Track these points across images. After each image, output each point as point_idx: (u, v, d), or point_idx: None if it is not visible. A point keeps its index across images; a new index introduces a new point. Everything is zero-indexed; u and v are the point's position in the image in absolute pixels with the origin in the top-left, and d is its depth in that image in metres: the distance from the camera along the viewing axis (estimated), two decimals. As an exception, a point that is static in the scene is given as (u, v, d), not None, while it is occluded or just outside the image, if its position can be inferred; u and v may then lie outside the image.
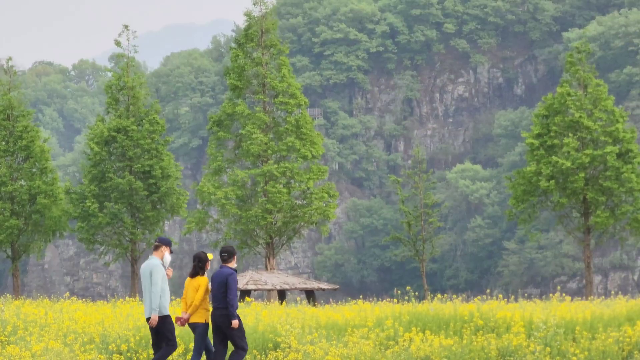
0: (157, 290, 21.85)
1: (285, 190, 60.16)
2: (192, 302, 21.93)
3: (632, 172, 56.83)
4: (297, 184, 61.50)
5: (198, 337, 21.94)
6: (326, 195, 61.15)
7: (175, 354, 26.48)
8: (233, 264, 22.05)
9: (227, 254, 22.07)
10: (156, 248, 22.23)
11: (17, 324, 28.11)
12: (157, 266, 21.91)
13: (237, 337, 21.87)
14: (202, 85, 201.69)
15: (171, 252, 22.28)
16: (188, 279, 22.10)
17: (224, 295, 21.78)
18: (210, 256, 22.16)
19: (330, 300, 59.47)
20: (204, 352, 22.27)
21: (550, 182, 56.89)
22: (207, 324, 21.97)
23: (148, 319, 22.04)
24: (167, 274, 21.96)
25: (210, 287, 22.08)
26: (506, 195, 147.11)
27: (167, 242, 22.13)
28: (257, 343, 27.51)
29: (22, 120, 64.47)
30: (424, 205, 64.13)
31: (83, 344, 27.11)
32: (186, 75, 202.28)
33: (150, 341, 23.46)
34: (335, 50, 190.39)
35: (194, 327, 22.01)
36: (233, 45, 67.51)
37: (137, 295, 59.82)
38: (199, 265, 21.97)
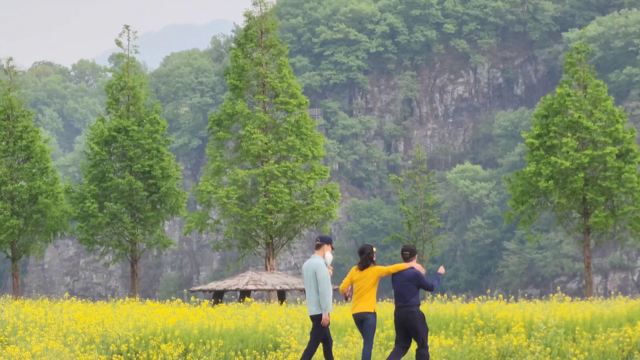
0: (324, 289, 22.01)
1: (286, 190, 60.15)
2: (360, 293, 22.18)
3: (633, 173, 56.79)
4: (298, 184, 61.47)
5: (369, 328, 22.07)
6: (327, 195, 61.12)
7: (175, 353, 26.50)
8: (414, 263, 22.41)
9: (409, 253, 22.48)
10: (318, 247, 22.36)
11: (17, 324, 28.11)
12: (320, 265, 22.07)
13: (424, 334, 22.25)
14: (202, 85, 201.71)
15: (332, 249, 22.50)
16: (354, 270, 22.26)
17: (410, 293, 22.12)
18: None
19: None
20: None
21: (550, 182, 56.84)
22: (376, 314, 22.23)
23: (312, 317, 22.15)
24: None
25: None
26: (506, 195, 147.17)
27: (328, 240, 22.37)
28: (257, 343, 27.53)
29: (22, 120, 64.48)
30: (424, 206, 64.13)
31: (83, 344, 27.12)
32: (186, 76, 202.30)
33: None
34: (335, 50, 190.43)
35: (362, 317, 22.09)
36: (233, 45, 67.48)
37: (137, 295, 59.82)
38: (369, 257, 22.17)
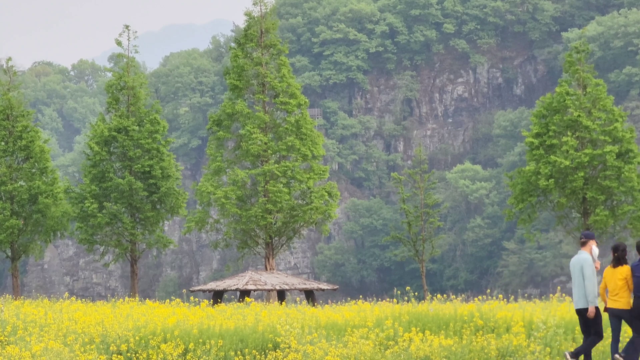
0: (590, 283, 23.61)
1: (286, 190, 60.14)
2: (615, 291, 23.51)
3: (632, 172, 56.75)
4: (297, 184, 61.45)
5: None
6: (326, 195, 61.12)
7: (175, 353, 26.49)
8: None
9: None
10: (583, 244, 24.06)
11: (17, 324, 28.11)
12: (587, 260, 23.75)
13: None
14: (201, 85, 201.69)
15: (596, 243, 24.06)
16: (610, 268, 23.65)
17: None
18: None
19: (330, 300, 59.46)
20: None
21: (550, 180, 56.81)
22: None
23: (578, 310, 23.77)
24: (595, 267, 23.81)
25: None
26: (506, 195, 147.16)
27: (591, 236, 24.04)
28: (257, 343, 27.53)
29: (21, 120, 64.43)
30: (425, 205, 64.09)
31: (83, 344, 27.12)
32: (186, 76, 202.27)
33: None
34: (334, 50, 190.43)
35: (621, 314, 23.50)
36: (233, 45, 67.47)
37: (137, 295, 59.80)
38: (622, 255, 23.52)
